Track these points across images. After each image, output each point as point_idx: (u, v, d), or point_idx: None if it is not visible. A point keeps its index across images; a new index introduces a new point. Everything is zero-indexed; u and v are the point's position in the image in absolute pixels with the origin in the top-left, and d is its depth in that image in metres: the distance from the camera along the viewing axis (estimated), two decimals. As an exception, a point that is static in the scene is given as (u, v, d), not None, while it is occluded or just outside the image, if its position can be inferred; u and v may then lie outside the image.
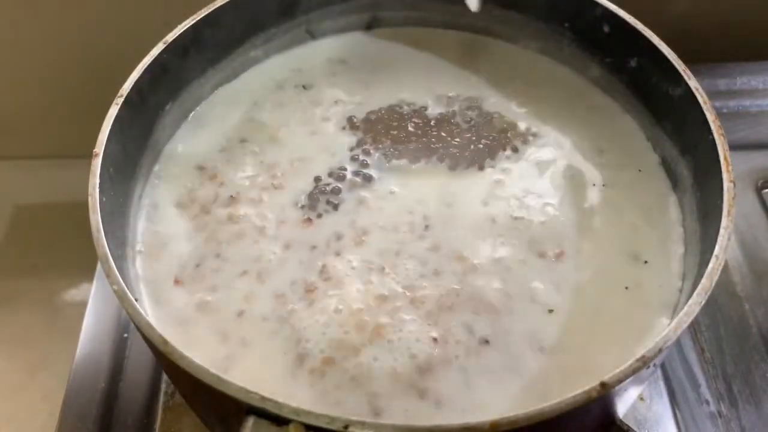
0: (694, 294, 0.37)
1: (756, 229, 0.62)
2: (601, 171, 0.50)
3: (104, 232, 0.39)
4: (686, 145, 0.48)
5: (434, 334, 0.42)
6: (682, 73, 0.47)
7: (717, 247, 0.39)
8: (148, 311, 0.43)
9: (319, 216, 0.48)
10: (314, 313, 0.43)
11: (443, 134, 0.52)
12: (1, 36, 0.76)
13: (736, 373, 0.54)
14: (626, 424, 0.39)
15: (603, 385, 0.33)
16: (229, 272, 0.45)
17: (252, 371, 0.41)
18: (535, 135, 0.52)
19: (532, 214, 0.48)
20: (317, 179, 0.50)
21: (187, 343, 0.38)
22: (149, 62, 0.48)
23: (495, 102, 0.55)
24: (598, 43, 0.53)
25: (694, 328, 0.56)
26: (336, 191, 0.49)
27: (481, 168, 0.51)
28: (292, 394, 0.40)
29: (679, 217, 0.48)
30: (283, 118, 0.54)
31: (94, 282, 0.58)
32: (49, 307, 0.76)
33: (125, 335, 0.55)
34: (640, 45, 0.50)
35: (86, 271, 0.58)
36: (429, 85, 0.56)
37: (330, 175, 0.50)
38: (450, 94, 0.55)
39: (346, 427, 0.32)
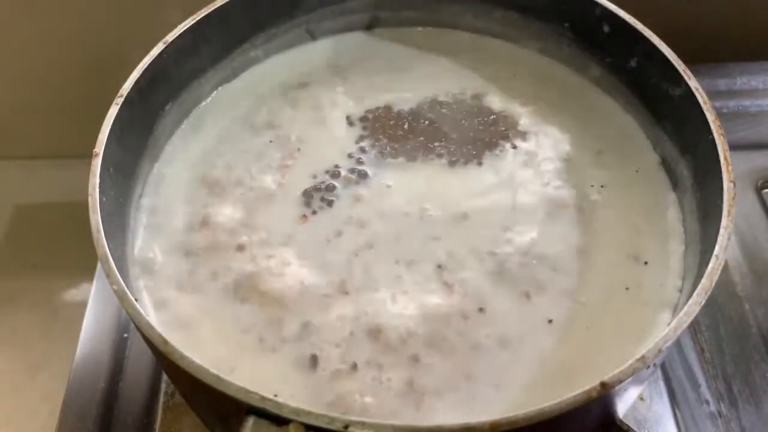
0: (694, 294, 0.37)
1: (756, 229, 0.62)
2: (601, 171, 0.50)
3: (104, 232, 0.39)
4: (686, 145, 0.48)
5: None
6: (682, 73, 0.47)
7: (717, 247, 0.39)
8: (149, 312, 0.43)
9: (314, 213, 0.48)
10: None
11: (442, 132, 0.52)
12: (1, 36, 0.76)
13: (736, 373, 0.54)
14: (626, 424, 0.39)
15: (603, 385, 0.33)
16: (229, 270, 0.45)
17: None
18: (534, 134, 0.52)
19: (531, 212, 0.48)
20: (315, 177, 0.50)
21: (188, 344, 0.38)
22: (149, 62, 0.48)
23: (495, 101, 0.55)
24: (598, 43, 0.53)
25: (694, 328, 0.56)
26: (331, 188, 0.49)
27: (480, 164, 0.51)
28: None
29: (679, 217, 0.48)
30: (282, 118, 0.54)
31: (94, 282, 0.58)
32: (49, 307, 0.76)
33: (125, 335, 0.55)
34: (640, 45, 0.50)
35: (86, 271, 0.58)
36: (428, 84, 0.56)
37: (328, 173, 0.50)
38: (449, 94, 0.55)
39: (346, 427, 0.32)
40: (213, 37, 0.53)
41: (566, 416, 0.33)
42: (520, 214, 0.48)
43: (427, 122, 0.53)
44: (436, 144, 0.52)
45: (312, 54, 0.58)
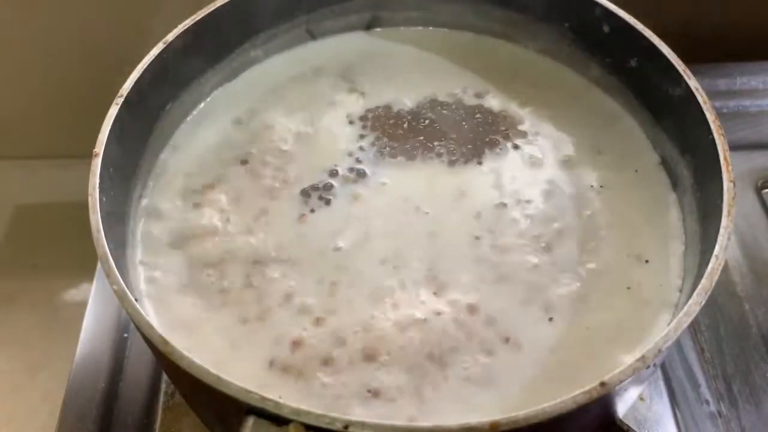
0: (694, 294, 0.37)
1: (756, 229, 0.62)
2: (601, 171, 0.50)
3: (104, 232, 0.39)
4: (686, 145, 0.48)
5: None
6: (682, 73, 0.47)
7: (717, 247, 0.39)
8: (149, 313, 0.43)
9: (312, 211, 0.48)
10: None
11: (442, 132, 0.52)
12: (1, 36, 0.76)
13: (736, 373, 0.54)
14: (626, 424, 0.39)
15: (603, 385, 0.33)
16: (228, 270, 0.45)
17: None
18: (534, 134, 0.53)
19: (530, 212, 0.48)
20: (314, 176, 0.50)
21: (189, 346, 0.38)
22: (149, 62, 0.48)
23: (495, 101, 0.55)
24: (598, 43, 0.53)
25: (694, 328, 0.56)
26: (329, 187, 0.49)
27: (480, 164, 0.51)
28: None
29: (679, 217, 0.48)
30: (282, 118, 0.54)
31: (94, 282, 0.58)
32: (49, 307, 0.76)
33: (125, 335, 0.55)
34: (640, 45, 0.50)
35: (86, 271, 0.58)
36: (428, 84, 0.56)
37: (327, 172, 0.50)
38: (449, 94, 0.55)
39: (346, 427, 0.32)
40: (213, 37, 0.53)
41: (566, 416, 0.33)
42: (519, 214, 0.48)
43: (426, 122, 0.53)
44: (435, 143, 0.52)
45: (312, 54, 0.58)
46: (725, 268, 0.59)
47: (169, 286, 0.45)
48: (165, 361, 0.36)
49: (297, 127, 0.53)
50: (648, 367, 0.35)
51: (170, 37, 0.49)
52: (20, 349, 0.73)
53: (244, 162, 0.51)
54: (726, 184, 0.41)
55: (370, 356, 0.41)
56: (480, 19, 0.58)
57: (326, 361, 0.41)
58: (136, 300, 0.38)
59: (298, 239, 0.47)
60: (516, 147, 0.52)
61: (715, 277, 0.38)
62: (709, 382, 0.53)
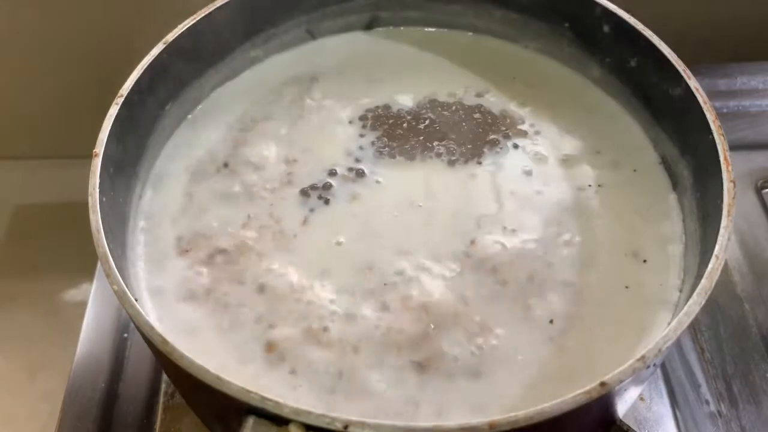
0: (694, 294, 0.37)
1: (756, 229, 0.62)
2: (600, 170, 0.50)
3: (104, 232, 0.39)
4: (686, 145, 0.48)
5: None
6: (682, 73, 0.47)
7: (717, 247, 0.39)
8: (149, 314, 0.43)
9: (312, 211, 0.48)
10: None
11: (441, 132, 0.52)
12: (2, 36, 0.76)
13: (736, 373, 0.54)
14: (626, 424, 0.39)
15: (603, 385, 0.33)
16: (228, 269, 0.45)
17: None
18: (534, 134, 0.53)
19: (530, 212, 0.48)
20: (313, 176, 0.50)
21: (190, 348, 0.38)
22: (149, 62, 0.48)
23: (494, 101, 0.55)
24: (598, 43, 0.53)
25: (694, 328, 0.56)
26: (328, 187, 0.49)
27: (480, 164, 0.51)
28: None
29: (679, 217, 0.48)
30: (282, 118, 0.54)
31: (94, 282, 0.58)
32: (49, 307, 0.76)
33: (125, 335, 0.55)
34: (640, 45, 0.50)
35: (86, 271, 0.58)
36: (428, 84, 0.56)
37: (326, 172, 0.50)
38: (449, 93, 0.55)
39: (346, 427, 0.32)
40: (213, 36, 0.53)
41: (566, 416, 0.33)
42: (519, 214, 0.48)
43: (426, 122, 0.53)
44: (435, 143, 0.52)
45: (312, 54, 0.58)
46: (725, 268, 0.59)
47: (169, 286, 0.45)
48: (165, 361, 0.36)
49: (297, 127, 0.53)
50: (648, 367, 0.35)
51: (170, 37, 0.49)
52: (20, 349, 0.73)
53: (243, 162, 0.51)
54: (726, 184, 0.41)
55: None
56: (480, 19, 0.58)
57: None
58: (136, 300, 0.38)
59: (298, 238, 0.46)
60: (516, 146, 0.52)
61: (715, 277, 0.38)
62: (709, 382, 0.53)
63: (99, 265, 0.51)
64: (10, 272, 0.78)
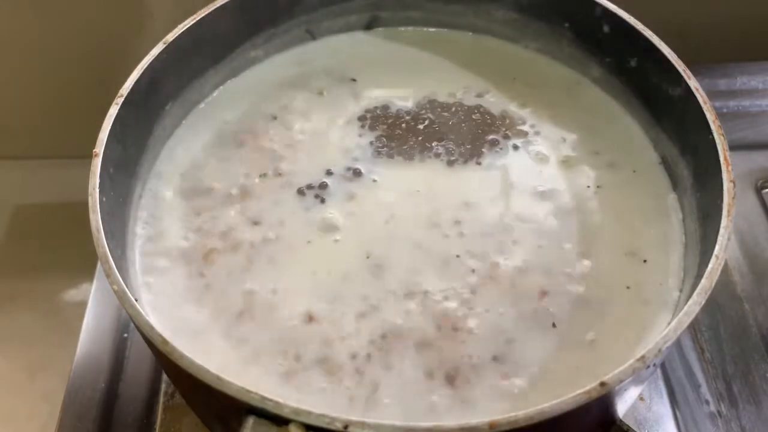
0: (694, 294, 0.37)
1: (756, 229, 0.62)
2: (600, 170, 0.50)
3: (104, 232, 0.39)
4: (686, 145, 0.48)
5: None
6: (682, 73, 0.47)
7: (717, 247, 0.39)
8: (149, 313, 0.44)
9: (308, 210, 0.48)
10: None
11: (441, 132, 0.52)
12: (2, 36, 0.76)
13: (736, 373, 0.54)
14: (626, 424, 0.39)
15: (603, 385, 0.33)
16: (228, 264, 0.45)
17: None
18: (534, 135, 0.53)
19: (529, 212, 0.48)
20: (311, 175, 0.50)
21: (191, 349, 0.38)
22: (149, 62, 0.48)
23: (494, 101, 0.55)
24: (598, 43, 0.53)
25: (694, 328, 0.56)
26: (324, 186, 0.49)
27: (479, 164, 0.51)
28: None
29: (679, 217, 0.48)
30: (281, 118, 0.54)
31: (94, 282, 0.58)
32: (49, 307, 0.76)
33: (125, 335, 0.55)
34: (640, 45, 0.50)
35: (86, 271, 0.58)
36: (428, 84, 0.56)
37: (324, 171, 0.50)
38: (449, 93, 0.55)
39: (345, 427, 0.32)
40: (213, 36, 0.53)
41: (566, 416, 0.33)
42: (518, 214, 0.48)
43: (426, 122, 0.53)
44: (434, 143, 0.52)
45: (312, 54, 0.58)
46: (725, 268, 0.59)
47: (168, 285, 0.45)
48: (165, 361, 0.36)
49: (296, 127, 0.53)
50: (648, 367, 0.35)
51: (170, 37, 0.49)
52: (20, 349, 0.73)
53: (243, 162, 0.51)
54: (726, 184, 0.41)
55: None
56: (480, 19, 0.58)
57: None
58: (136, 300, 0.38)
59: (294, 237, 0.46)
60: (516, 147, 0.52)
61: (715, 277, 0.38)
62: (709, 382, 0.53)
63: (99, 265, 0.51)
64: (10, 272, 0.78)
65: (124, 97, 0.46)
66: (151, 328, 0.36)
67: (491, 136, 0.52)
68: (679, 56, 0.48)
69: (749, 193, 0.64)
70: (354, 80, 0.56)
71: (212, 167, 0.51)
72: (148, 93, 0.48)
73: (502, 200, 0.48)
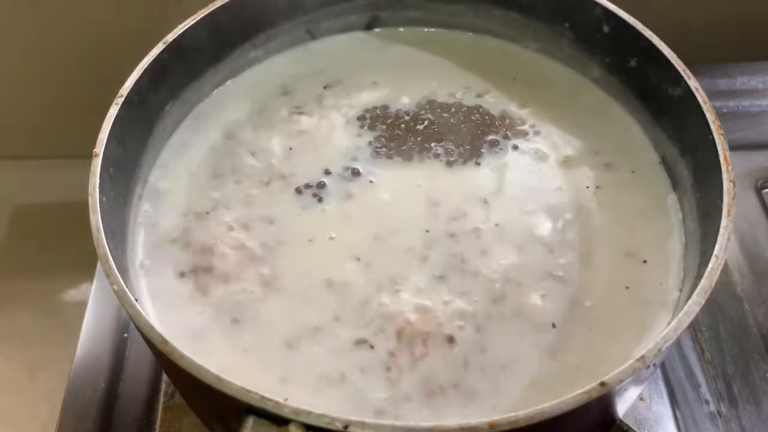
0: (694, 294, 0.37)
1: (756, 229, 0.62)
2: (600, 170, 0.50)
3: (104, 232, 0.39)
4: (686, 145, 0.48)
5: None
6: (682, 73, 0.47)
7: (717, 247, 0.39)
8: (150, 313, 0.44)
9: (306, 209, 0.48)
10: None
11: (440, 133, 0.52)
12: (2, 36, 0.76)
13: (736, 373, 0.54)
14: (626, 424, 0.39)
15: (603, 384, 0.33)
16: (228, 264, 0.45)
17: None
18: (534, 135, 0.53)
19: (529, 213, 0.48)
20: (309, 175, 0.50)
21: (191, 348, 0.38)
22: (149, 62, 0.48)
23: (494, 102, 0.55)
24: (598, 43, 0.53)
25: (694, 328, 0.56)
26: (322, 186, 0.49)
27: (478, 165, 0.51)
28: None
29: (679, 217, 0.48)
30: (282, 117, 0.54)
31: (94, 282, 0.58)
32: (49, 307, 0.76)
33: (125, 335, 0.55)
34: (640, 45, 0.50)
35: (86, 271, 0.58)
36: (427, 84, 0.56)
37: (322, 171, 0.50)
38: (449, 94, 0.55)
39: (346, 427, 0.32)
40: (213, 36, 0.53)
41: (566, 416, 0.33)
42: (518, 215, 0.48)
43: (425, 122, 0.53)
44: (433, 144, 0.52)
45: (312, 54, 0.58)
46: (725, 268, 0.59)
47: (168, 285, 0.45)
48: (165, 361, 0.36)
49: (295, 127, 0.53)
50: (648, 367, 0.35)
51: (170, 37, 0.49)
52: (20, 349, 0.73)
53: (242, 161, 0.51)
54: (726, 184, 0.41)
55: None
56: (480, 19, 0.58)
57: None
58: (136, 300, 0.38)
59: (293, 237, 0.47)
60: (515, 147, 0.52)
61: (715, 277, 0.38)
62: (709, 382, 0.53)
63: (99, 265, 0.51)
64: (10, 272, 0.78)
65: (124, 97, 0.46)
66: (151, 328, 0.36)
67: (491, 137, 0.52)
68: (679, 56, 0.48)
69: (749, 193, 0.64)
70: (354, 80, 0.56)
71: (212, 167, 0.51)
72: (148, 93, 0.48)
73: (500, 201, 0.48)
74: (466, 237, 0.46)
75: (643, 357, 0.34)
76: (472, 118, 0.53)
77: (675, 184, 0.49)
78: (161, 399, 0.52)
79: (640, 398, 0.51)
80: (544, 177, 0.50)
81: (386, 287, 0.44)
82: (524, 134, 0.53)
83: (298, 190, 0.49)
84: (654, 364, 0.36)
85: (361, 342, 0.42)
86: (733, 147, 0.43)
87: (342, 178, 0.50)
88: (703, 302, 0.37)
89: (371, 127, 0.53)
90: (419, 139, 0.52)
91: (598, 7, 0.52)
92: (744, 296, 0.58)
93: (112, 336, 0.55)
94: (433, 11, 0.59)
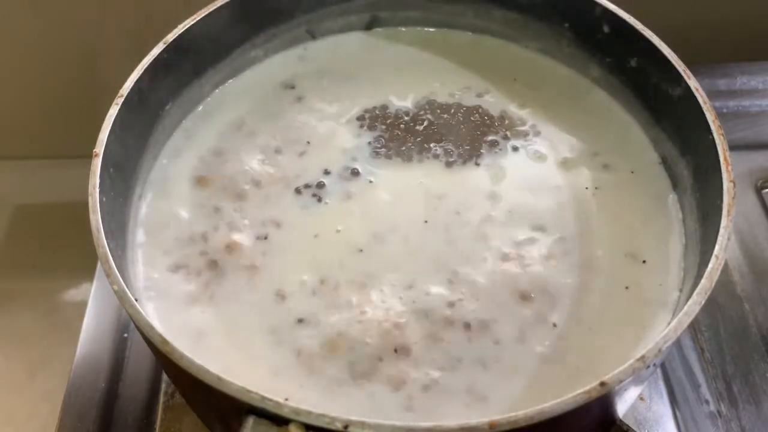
0: (694, 294, 0.37)
1: (756, 229, 0.62)
2: (599, 171, 0.50)
3: (104, 232, 0.39)
4: (686, 145, 0.48)
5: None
6: (682, 73, 0.47)
7: (717, 247, 0.39)
8: (149, 313, 0.44)
9: (305, 208, 0.48)
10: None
11: (440, 133, 0.52)
12: (1, 36, 0.76)
13: (736, 373, 0.54)
14: (626, 424, 0.39)
15: (603, 384, 0.33)
16: (228, 263, 0.45)
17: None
18: (533, 135, 0.52)
19: (528, 213, 0.48)
20: (308, 174, 0.50)
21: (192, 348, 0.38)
22: (149, 62, 0.48)
23: (494, 102, 0.55)
24: (598, 43, 0.53)
25: (694, 328, 0.56)
26: (321, 185, 0.49)
27: (478, 165, 0.51)
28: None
29: (679, 217, 0.48)
30: (281, 117, 0.54)
31: (94, 282, 0.58)
32: (49, 307, 0.76)
33: (125, 335, 0.55)
34: (640, 45, 0.50)
35: (86, 271, 0.58)
36: (427, 84, 0.56)
37: (321, 171, 0.50)
38: (449, 94, 0.55)
39: (346, 427, 0.32)
40: (213, 36, 0.53)
41: (566, 416, 0.33)
42: (517, 215, 0.48)
43: (425, 123, 0.53)
44: (432, 144, 0.52)
45: (312, 54, 0.58)
46: (725, 268, 0.59)
47: (168, 284, 0.45)
48: (165, 361, 0.36)
49: (295, 127, 0.53)
50: (648, 367, 0.35)
51: (170, 37, 0.49)
52: (20, 349, 0.73)
53: (242, 161, 0.51)
54: (726, 184, 0.41)
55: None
56: (480, 19, 0.58)
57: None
58: (136, 300, 0.38)
59: (290, 236, 0.47)
60: (515, 148, 0.52)
61: (715, 277, 0.38)
62: (709, 382, 0.53)
63: (99, 265, 0.51)
64: (10, 272, 0.78)
65: (124, 97, 0.46)
66: (151, 328, 0.36)
67: (490, 137, 0.52)
68: (679, 56, 0.48)
69: (749, 193, 0.64)
70: (354, 80, 0.56)
71: (212, 167, 0.51)
72: (148, 93, 0.48)
73: (500, 201, 0.48)
74: (466, 237, 0.46)
75: (643, 357, 0.34)
76: (472, 118, 0.53)
77: (675, 184, 0.49)
78: (161, 399, 0.52)
79: (640, 398, 0.51)
80: (544, 177, 0.50)
81: (385, 282, 0.44)
82: (524, 135, 0.53)
83: (298, 190, 0.49)
84: (654, 364, 0.36)
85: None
86: (733, 147, 0.43)
87: (342, 178, 0.50)
88: (703, 302, 0.37)
89: (371, 128, 0.53)
90: (419, 139, 0.52)
91: (598, 7, 0.52)
92: (744, 296, 0.58)
93: (112, 336, 0.55)
94: (433, 11, 0.59)
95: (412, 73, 0.57)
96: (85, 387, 0.53)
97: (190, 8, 0.51)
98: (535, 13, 0.56)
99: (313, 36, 0.59)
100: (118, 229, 0.44)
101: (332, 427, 0.32)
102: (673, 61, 0.47)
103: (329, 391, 0.40)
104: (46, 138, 0.83)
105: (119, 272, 0.38)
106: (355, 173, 0.50)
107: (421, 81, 0.56)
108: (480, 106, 0.54)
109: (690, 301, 0.37)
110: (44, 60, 0.77)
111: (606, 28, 0.52)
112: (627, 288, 0.45)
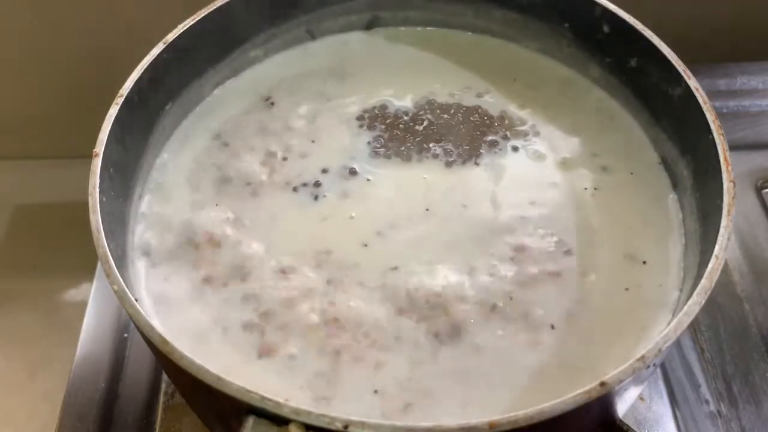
0: (694, 294, 0.37)
1: (756, 229, 0.62)
2: (599, 171, 0.50)
3: (104, 232, 0.39)
4: (686, 145, 0.48)
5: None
6: (682, 73, 0.47)
7: (717, 247, 0.39)
8: (150, 313, 0.44)
9: (304, 208, 0.48)
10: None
11: (439, 133, 0.52)
12: (2, 36, 0.76)
13: (736, 373, 0.54)
14: (626, 424, 0.39)
15: (603, 384, 0.33)
16: (228, 263, 0.45)
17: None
18: (533, 135, 0.52)
19: (528, 214, 0.48)
20: (307, 174, 0.50)
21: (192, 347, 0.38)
22: (149, 62, 0.48)
23: (493, 102, 0.55)
24: (598, 43, 0.53)
25: (694, 328, 0.56)
26: (318, 185, 0.49)
27: (477, 165, 0.51)
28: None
29: (679, 217, 0.48)
30: (281, 117, 0.54)
31: (94, 282, 0.58)
32: (49, 307, 0.76)
33: (125, 335, 0.55)
34: (640, 45, 0.50)
35: (86, 271, 0.58)
36: (427, 84, 0.56)
37: (320, 170, 0.50)
38: (448, 94, 0.55)
39: (346, 426, 0.32)
40: (213, 36, 0.53)
41: (566, 416, 0.33)
42: (517, 215, 0.48)
43: (425, 122, 0.53)
44: (432, 144, 0.52)
45: (312, 54, 0.58)
46: (725, 268, 0.59)
47: (168, 284, 0.45)
48: (165, 361, 0.36)
49: (294, 126, 0.53)
50: (648, 367, 0.35)
51: (170, 37, 0.49)
52: (20, 349, 0.73)
53: (242, 161, 0.51)
54: (726, 184, 0.41)
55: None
56: (480, 19, 0.58)
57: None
58: (136, 300, 0.38)
59: (289, 236, 0.47)
60: (515, 148, 0.52)
61: (715, 277, 0.38)
62: (709, 382, 0.53)
63: (99, 265, 0.51)
64: (10, 272, 0.78)
65: (124, 97, 0.46)
66: (151, 328, 0.36)
67: (490, 137, 0.52)
68: (679, 56, 0.48)
69: (749, 193, 0.64)
70: (353, 80, 0.56)
71: (211, 166, 0.51)
72: (148, 93, 0.48)
73: (499, 201, 0.48)
74: (463, 237, 0.46)
75: (643, 357, 0.34)
76: (472, 118, 0.53)
77: (675, 184, 0.49)
78: (161, 399, 0.52)
79: (640, 398, 0.51)
80: (543, 178, 0.50)
81: (383, 288, 0.44)
82: (523, 135, 0.53)
83: (295, 189, 0.49)
84: (654, 364, 0.36)
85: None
86: (733, 147, 0.43)
87: (340, 177, 0.50)
88: (703, 302, 0.37)
89: (370, 127, 0.53)
90: (418, 139, 0.52)
91: (598, 7, 0.52)
92: (744, 296, 0.58)
93: (112, 336, 0.55)
94: (433, 11, 0.59)
95: (411, 73, 0.57)
96: (85, 387, 0.53)
97: (190, 8, 0.51)
98: (535, 13, 0.56)
99: (313, 36, 0.59)
100: (118, 229, 0.44)
101: (332, 427, 0.32)
102: (673, 61, 0.47)
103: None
104: (46, 138, 0.83)
105: (119, 272, 0.38)
106: (353, 172, 0.50)
107: (420, 81, 0.56)
108: (480, 106, 0.54)
109: (690, 302, 0.37)
110: (44, 60, 0.77)
111: (606, 28, 0.52)
112: (627, 289, 0.44)
